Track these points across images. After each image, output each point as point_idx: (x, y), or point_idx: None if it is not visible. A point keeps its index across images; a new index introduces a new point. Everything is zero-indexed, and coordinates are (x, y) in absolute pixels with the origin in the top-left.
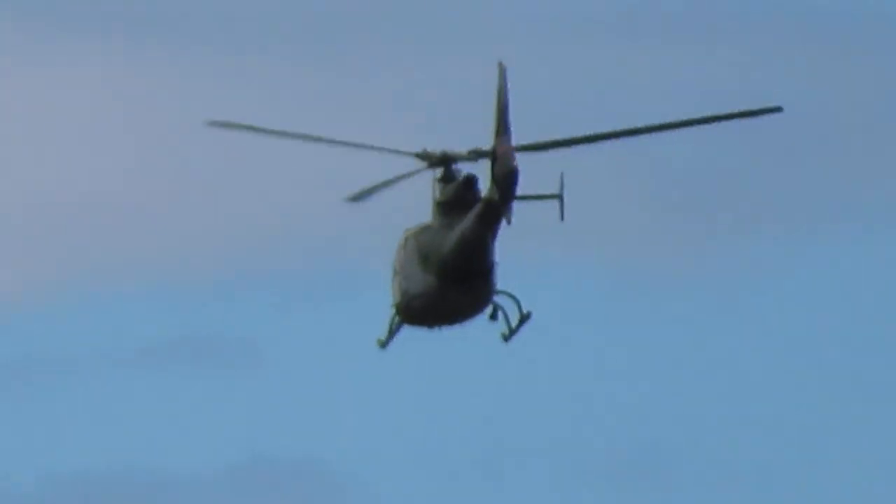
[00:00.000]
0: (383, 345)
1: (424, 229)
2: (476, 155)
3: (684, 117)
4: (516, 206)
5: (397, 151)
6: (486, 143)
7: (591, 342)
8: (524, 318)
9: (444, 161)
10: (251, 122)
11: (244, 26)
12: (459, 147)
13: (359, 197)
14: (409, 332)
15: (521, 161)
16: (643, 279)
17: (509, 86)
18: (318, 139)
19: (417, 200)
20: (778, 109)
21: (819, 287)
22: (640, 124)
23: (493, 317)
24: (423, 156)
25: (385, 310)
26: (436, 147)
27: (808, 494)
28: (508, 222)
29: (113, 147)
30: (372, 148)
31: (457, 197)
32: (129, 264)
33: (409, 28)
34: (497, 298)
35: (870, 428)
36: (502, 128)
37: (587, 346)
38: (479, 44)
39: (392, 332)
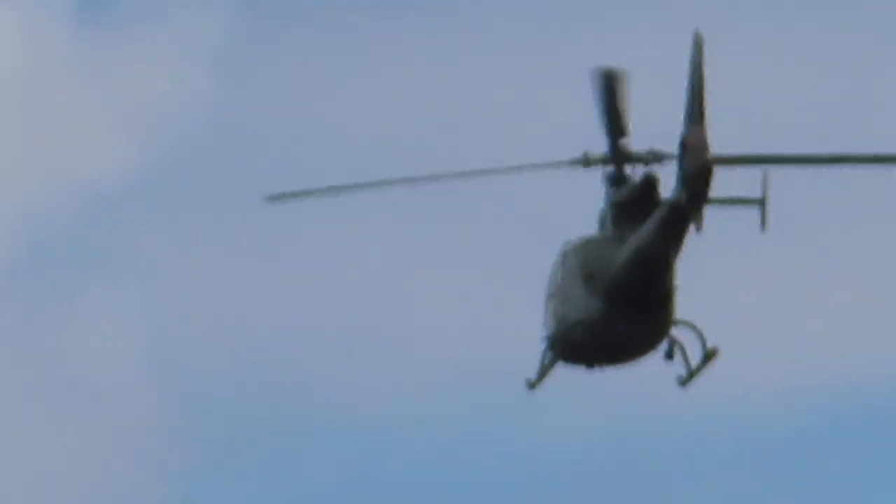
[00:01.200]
0: (533, 386)
1: (589, 242)
2: (655, 157)
3: None
4: (709, 211)
5: (552, 164)
6: (668, 143)
7: (794, 386)
8: (708, 357)
9: (615, 160)
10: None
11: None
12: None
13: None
14: (564, 373)
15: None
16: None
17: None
18: (465, 174)
19: (580, 207)
20: None
21: None
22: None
23: (670, 355)
24: (587, 161)
25: (536, 344)
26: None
27: None
28: (699, 230)
29: None
30: (519, 168)
31: (633, 200)
32: None
33: None
34: (675, 331)
35: None
36: (696, 113)
37: (790, 392)
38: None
39: (544, 371)
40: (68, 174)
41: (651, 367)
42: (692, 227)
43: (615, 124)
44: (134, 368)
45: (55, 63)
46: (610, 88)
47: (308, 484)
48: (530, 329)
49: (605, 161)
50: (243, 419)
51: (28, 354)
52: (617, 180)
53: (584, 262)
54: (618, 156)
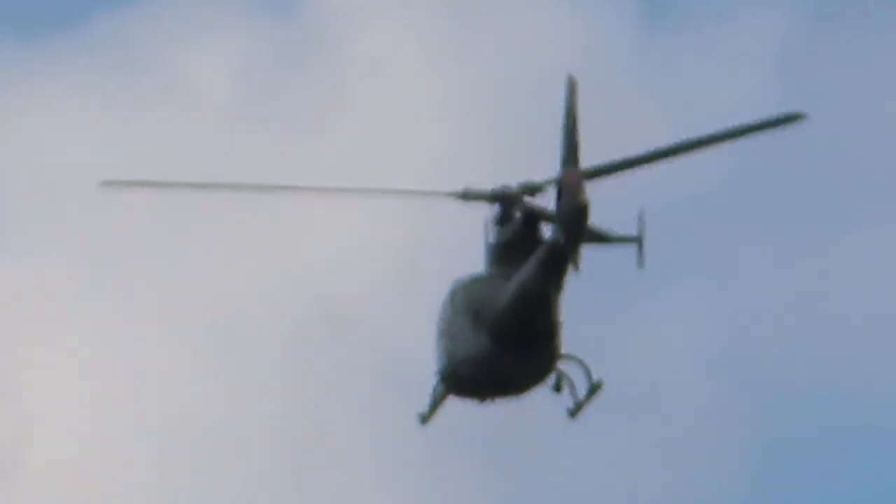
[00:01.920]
0: (425, 420)
1: (476, 280)
2: (532, 189)
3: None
4: (586, 250)
5: (433, 194)
6: (546, 174)
7: (673, 414)
8: (594, 389)
9: (497, 198)
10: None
11: None
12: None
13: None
14: (455, 406)
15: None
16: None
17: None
18: (347, 191)
19: (467, 245)
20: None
21: None
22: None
23: (558, 388)
24: (467, 195)
25: (428, 378)
26: (480, 183)
27: None
28: (576, 269)
29: None
30: (401, 193)
31: (514, 240)
32: None
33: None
34: (562, 365)
35: None
36: (570, 154)
37: (669, 419)
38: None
39: (435, 406)
40: None
41: (541, 400)
42: (570, 266)
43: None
44: None
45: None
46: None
47: None
48: (421, 364)
49: (485, 197)
50: None
51: None
52: (500, 219)
53: (470, 301)
54: (502, 194)
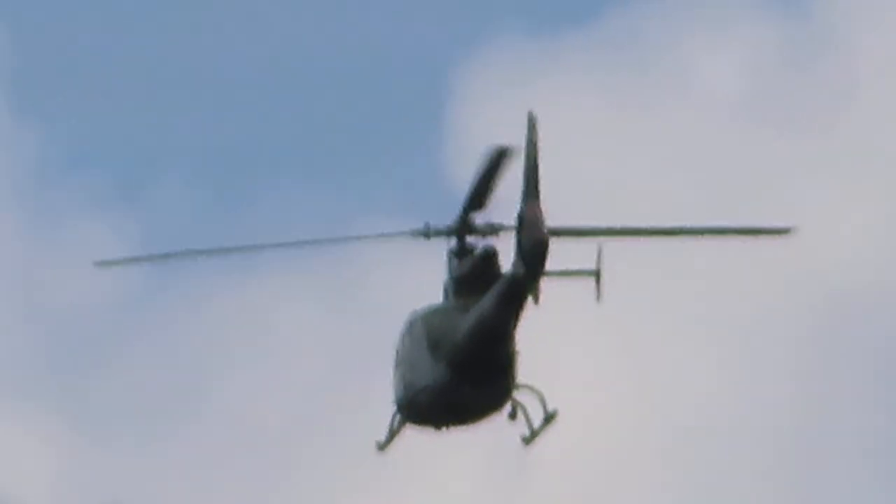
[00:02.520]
0: (382, 448)
1: (433, 312)
2: (492, 229)
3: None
4: (545, 283)
5: (394, 234)
6: (504, 216)
7: (626, 445)
8: (549, 418)
9: (458, 232)
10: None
11: None
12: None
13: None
14: (412, 435)
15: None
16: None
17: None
18: (302, 243)
19: (425, 279)
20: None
21: None
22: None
23: (513, 416)
24: (428, 233)
25: (385, 408)
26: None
27: None
28: (536, 302)
29: None
30: (362, 237)
31: (474, 273)
32: None
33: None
34: (518, 394)
35: None
36: (532, 190)
37: (622, 450)
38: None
39: (392, 434)
40: None
41: (496, 428)
42: (530, 299)
43: (480, 198)
44: None
45: None
46: (496, 165)
47: None
48: (379, 394)
49: (446, 233)
50: None
51: None
52: (459, 253)
53: (429, 332)
54: (462, 228)
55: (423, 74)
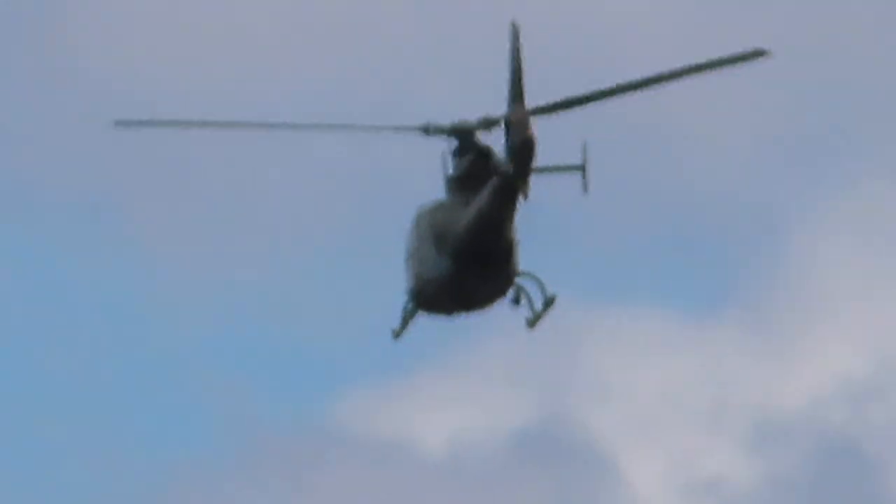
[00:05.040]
0: (397, 335)
1: (438, 207)
2: (487, 124)
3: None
4: (535, 179)
5: (398, 128)
6: (499, 110)
7: (616, 325)
8: (549, 302)
9: (455, 132)
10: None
11: None
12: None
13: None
14: (425, 321)
15: (539, 128)
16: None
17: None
18: (312, 126)
19: (429, 176)
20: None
21: None
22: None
23: (517, 301)
24: (428, 129)
25: (399, 297)
26: (442, 118)
27: None
28: (525, 197)
29: None
30: (368, 129)
31: (470, 171)
32: None
33: None
34: (520, 281)
35: None
36: (516, 94)
37: (613, 330)
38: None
39: (406, 322)
40: None
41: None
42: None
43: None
44: None
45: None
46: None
47: None
48: (393, 285)
49: (445, 131)
50: None
51: None
52: (457, 151)
53: (433, 227)
54: (459, 128)
55: None
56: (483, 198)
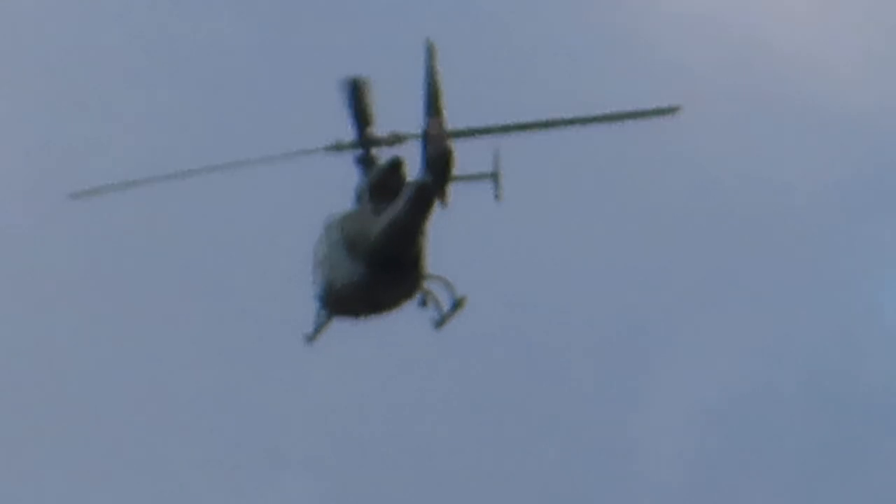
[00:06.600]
0: (311, 339)
1: (348, 216)
2: (395, 139)
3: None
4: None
5: (306, 151)
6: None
7: (529, 327)
8: (458, 304)
9: (364, 145)
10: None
11: None
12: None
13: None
14: (337, 325)
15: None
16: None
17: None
18: (215, 168)
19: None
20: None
21: None
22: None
23: (423, 303)
24: (339, 148)
25: (310, 303)
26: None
27: None
28: (445, 206)
29: None
30: (275, 158)
31: (382, 181)
32: None
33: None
34: (428, 284)
35: None
36: (432, 109)
37: (524, 332)
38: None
39: (319, 326)
40: None
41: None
42: (439, 203)
43: (360, 118)
44: None
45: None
46: (355, 91)
47: None
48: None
49: (354, 146)
50: None
51: None
52: (367, 162)
53: (345, 234)
54: (365, 141)
55: None
56: (398, 206)
